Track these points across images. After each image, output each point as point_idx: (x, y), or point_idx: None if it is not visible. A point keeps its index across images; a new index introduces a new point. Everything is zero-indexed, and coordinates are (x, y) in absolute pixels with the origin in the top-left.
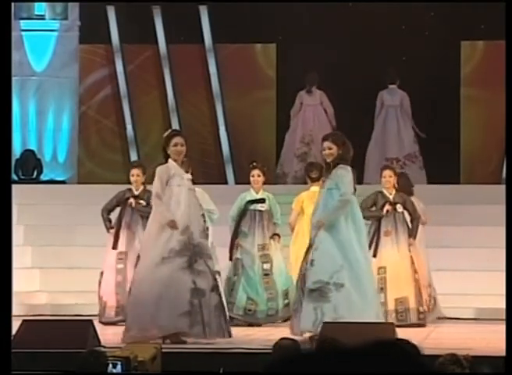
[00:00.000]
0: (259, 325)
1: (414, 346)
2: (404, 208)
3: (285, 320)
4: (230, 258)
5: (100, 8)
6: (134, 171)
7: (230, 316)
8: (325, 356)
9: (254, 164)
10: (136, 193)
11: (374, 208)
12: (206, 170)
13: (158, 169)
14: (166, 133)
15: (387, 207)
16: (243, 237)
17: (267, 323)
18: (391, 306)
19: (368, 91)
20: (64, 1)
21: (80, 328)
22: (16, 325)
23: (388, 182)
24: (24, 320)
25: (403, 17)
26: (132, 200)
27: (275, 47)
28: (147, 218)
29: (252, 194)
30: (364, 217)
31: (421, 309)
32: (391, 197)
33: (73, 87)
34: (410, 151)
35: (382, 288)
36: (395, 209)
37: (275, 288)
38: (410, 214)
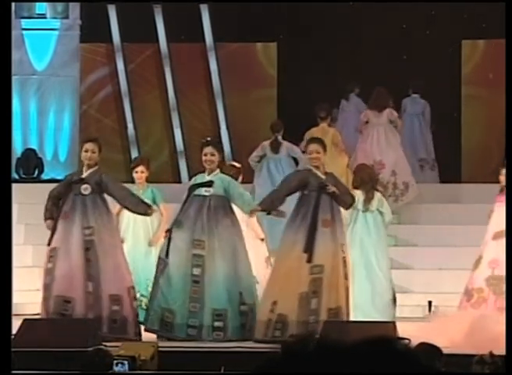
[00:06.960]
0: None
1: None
2: None
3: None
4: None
5: (101, 7)
6: (88, 146)
7: (145, 329)
8: (323, 355)
9: (208, 139)
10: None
11: None
12: None
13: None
14: None
15: None
16: (176, 228)
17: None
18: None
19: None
20: (65, 1)
21: (81, 327)
22: (16, 324)
23: (316, 159)
24: (25, 319)
25: (404, 16)
26: (85, 185)
27: (275, 46)
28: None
29: (202, 177)
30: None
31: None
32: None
33: (74, 86)
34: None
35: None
36: None
37: (202, 302)
38: None
